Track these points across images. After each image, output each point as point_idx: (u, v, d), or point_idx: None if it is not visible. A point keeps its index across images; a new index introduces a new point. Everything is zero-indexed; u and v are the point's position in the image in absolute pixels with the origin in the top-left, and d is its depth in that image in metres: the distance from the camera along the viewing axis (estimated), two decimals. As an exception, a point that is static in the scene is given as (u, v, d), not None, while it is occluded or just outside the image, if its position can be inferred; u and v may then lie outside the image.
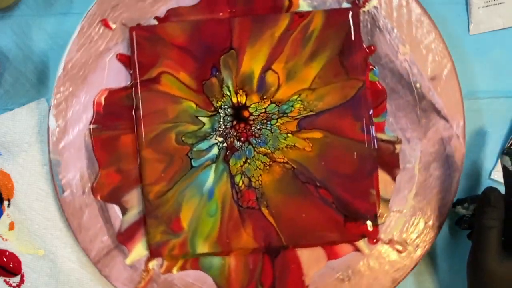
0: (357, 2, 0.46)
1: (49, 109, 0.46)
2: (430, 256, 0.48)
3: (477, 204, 0.43)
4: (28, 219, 0.48)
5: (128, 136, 0.46)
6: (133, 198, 0.47)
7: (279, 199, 0.45)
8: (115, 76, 0.47)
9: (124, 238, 0.47)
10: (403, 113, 0.46)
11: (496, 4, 0.48)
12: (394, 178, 0.46)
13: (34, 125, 0.48)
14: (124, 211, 0.47)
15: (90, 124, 0.47)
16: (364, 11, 0.46)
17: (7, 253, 0.48)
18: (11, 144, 0.48)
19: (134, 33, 0.45)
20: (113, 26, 0.46)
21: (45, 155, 0.48)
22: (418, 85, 0.46)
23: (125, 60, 0.47)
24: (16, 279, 0.48)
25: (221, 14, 0.46)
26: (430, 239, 0.46)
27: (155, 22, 0.46)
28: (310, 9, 0.46)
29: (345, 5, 0.46)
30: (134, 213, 0.47)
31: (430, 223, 0.46)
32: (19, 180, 0.48)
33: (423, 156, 0.46)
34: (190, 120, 0.45)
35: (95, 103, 0.47)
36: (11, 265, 0.48)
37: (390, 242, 0.46)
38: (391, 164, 0.46)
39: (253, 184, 0.45)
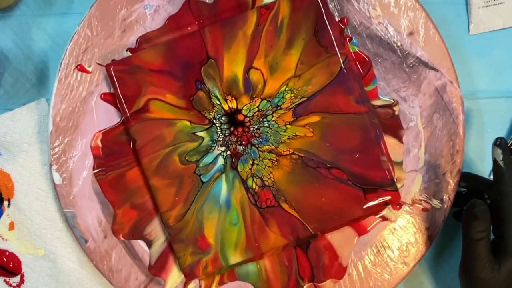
0: (317, -20, 0.46)
1: (50, 165, 0.46)
2: (430, 256, 0.49)
3: (463, 217, 0.41)
4: (28, 219, 0.48)
5: (133, 170, 0.47)
6: (155, 229, 0.47)
7: (296, 190, 0.45)
8: (105, 116, 0.47)
9: (156, 270, 0.46)
10: (392, 75, 0.46)
11: (496, 4, 0.48)
12: (401, 140, 0.46)
13: (34, 125, 0.48)
14: (149, 244, 0.47)
15: (93, 169, 0.47)
16: (327, -13, 0.46)
17: (7, 253, 0.48)
18: (11, 144, 0.48)
19: (111, 70, 0.45)
20: (90, 68, 0.46)
21: (45, 155, 0.48)
22: (399, 44, 0.46)
23: (110, 98, 0.47)
24: (16, 279, 0.48)
25: (189, 28, 0.46)
26: (451, 189, 0.46)
27: (129, 54, 0.46)
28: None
29: (307, -14, 0.46)
30: (159, 243, 0.47)
31: (447, 173, 0.46)
32: (19, 180, 0.48)
33: (423, 111, 0.46)
34: (188, 138, 0.45)
35: (92, 148, 0.47)
36: (11, 265, 0.48)
37: (414, 202, 0.46)
38: (394, 127, 0.46)
39: (266, 183, 0.45)
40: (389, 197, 0.45)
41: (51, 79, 0.49)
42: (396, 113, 0.46)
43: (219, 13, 0.46)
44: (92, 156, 0.47)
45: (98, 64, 0.46)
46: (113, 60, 0.46)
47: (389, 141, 0.46)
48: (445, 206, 0.46)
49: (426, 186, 0.46)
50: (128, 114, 0.45)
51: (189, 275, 0.45)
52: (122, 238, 0.47)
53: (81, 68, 0.46)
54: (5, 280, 0.48)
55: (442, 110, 0.46)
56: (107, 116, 0.47)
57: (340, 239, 0.46)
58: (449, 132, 0.46)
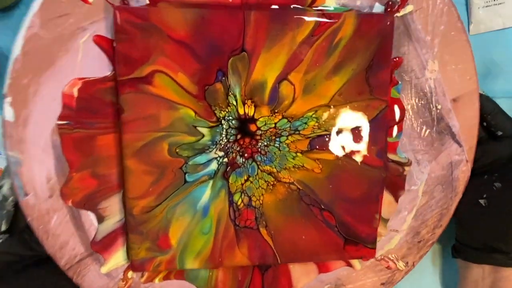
0: (391, 4, 0.39)
1: (4, 96, 0.37)
2: (429, 254, 0.49)
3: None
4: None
5: (107, 136, 0.39)
6: (112, 206, 0.41)
7: (280, 220, 0.41)
8: (91, 63, 0.37)
9: (100, 248, 0.41)
10: (417, 134, 0.43)
11: (496, 4, 0.47)
12: (397, 200, 0.44)
13: None
14: (100, 219, 0.41)
15: (58, 119, 0.38)
16: (397, 16, 0.39)
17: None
18: None
19: (119, 17, 0.35)
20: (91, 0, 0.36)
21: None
22: (439, 106, 0.42)
23: (105, 45, 0.37)
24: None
25: (231, 0, 0.37)
26: (419, 257, 0.46)
27: (147, 2, 0.37)
28: (337, 6, 0.39)
29: (377, 6, 0.39)
30: (112, 222, 0.41)
31: (423, 242, 0.46)
32: None
33: (430, 179, 0.44)
34: (187, 130, 0.38)
35: (64, 95, 0.38)
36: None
37: (382, 259, 0.46)
38: (397, 186, 0.44)
39: (253, 203, 0.41)
40: (366, 253, 0.43)
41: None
42: (405, 173, 0.43)
43: (271, -1, 0.38)
44: (61, 103, 0.38)
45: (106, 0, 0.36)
46: (126, 2, 0.36)
47: (386, 198, 0.44)
48: (407, 268, 0.46)
49: (399, 248, 0.46)
50: (124, 79, 0.37)
51: (137, 267, 0.41)
52: (70, 204, 0.40)
53: (80, -4, 0.36)
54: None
55: (447, 184, 0.44)
56: (94, 64, 0.38)
57: (300, 270, 0.45)
58: (442, 206, 0.45)
